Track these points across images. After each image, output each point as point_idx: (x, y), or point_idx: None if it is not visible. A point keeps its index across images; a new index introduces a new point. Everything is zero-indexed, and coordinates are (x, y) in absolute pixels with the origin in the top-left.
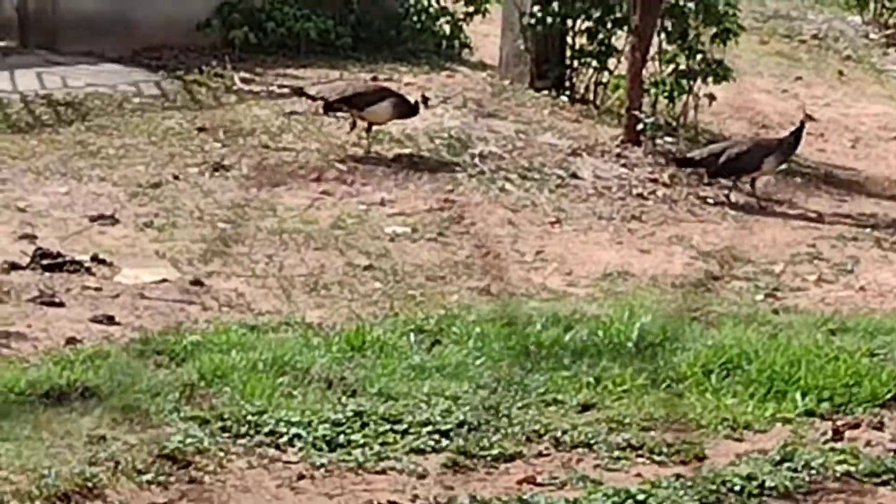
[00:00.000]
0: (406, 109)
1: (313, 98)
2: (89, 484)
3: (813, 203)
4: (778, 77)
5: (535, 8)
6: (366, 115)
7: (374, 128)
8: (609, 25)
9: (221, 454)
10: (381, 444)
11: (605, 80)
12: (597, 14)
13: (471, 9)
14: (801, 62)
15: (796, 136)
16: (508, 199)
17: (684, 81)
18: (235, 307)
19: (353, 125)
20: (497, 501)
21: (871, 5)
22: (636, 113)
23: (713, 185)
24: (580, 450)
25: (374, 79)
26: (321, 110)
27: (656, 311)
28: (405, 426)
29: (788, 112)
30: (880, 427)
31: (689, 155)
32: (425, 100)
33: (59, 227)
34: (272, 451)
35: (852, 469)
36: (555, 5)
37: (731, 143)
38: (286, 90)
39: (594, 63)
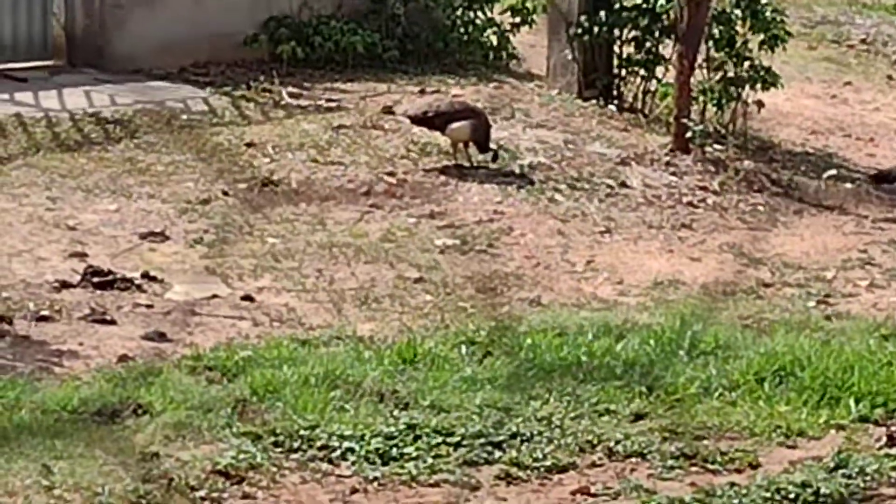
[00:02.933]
0: (488, 128)
1: (406, 116)
2: (143, 501)
3: (864, 208)
4: (827, 82)
5: (582, 17)
6: (447, 134)
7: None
8: (656, 34)
9: (274, 469)
10: (434, 457)
11: (652, 88)
12: (644, 22)
13: (517, 19)
14: (850, 67)
15: None
16: (558, 209)
17: (732, 88)
18: (286, 322)
19: (454, 148)
20: None
21: None
22: (685, 121)
23: (763, 192)
24: (634, 459)
25: (422, 91)
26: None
27: (708, 319)
28: (458, 438)
29: (837, 117)
30: None
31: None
32: (495, 156)
33: (109, 245)
34: (325, 466)
35: None
36: (601, 14)
37: None
38: (378, 110)
39: (642, 71)
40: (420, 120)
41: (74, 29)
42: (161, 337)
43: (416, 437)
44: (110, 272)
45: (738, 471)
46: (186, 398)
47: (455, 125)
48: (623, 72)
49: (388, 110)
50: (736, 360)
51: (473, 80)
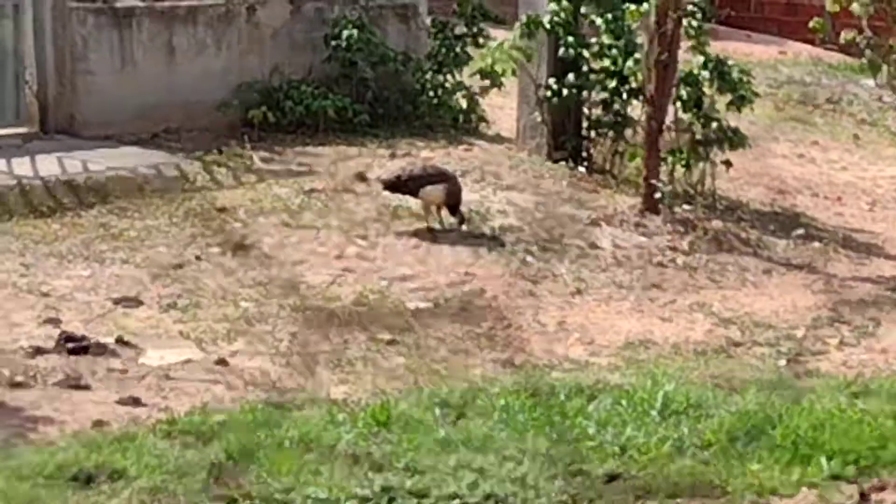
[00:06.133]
0: (459, 192)
1: (380, 181)
2: None
3: (832, 267)
4: (794, 142)
5: (551, 80)
6: (421, 197)
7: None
8: (624, 96)
9: None
10: None
11: (621, 149)
12: (612, 85)
13: (487, 82)
14: (817, 126)
15: None
16: (529, 270)
17: (701, 149)
18: (260, 385)
19: (426, 211)
20: None
21: (885, 69)
22: (654, 182)
23: (732, 251)
24: None
25: (393, 155)
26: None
27: (679, 379)
28: (432, 500)
29: (805, 177)
30: None
31: None
32: (461, 220)
33: (83, 311)
34: None
35: None
36: (570, 77)
37: None
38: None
39: (611, 133)
40: (393, 185)
41: (47, 96)
42: (135, 402)
43: (391, 500)
44: (84, 338)
45: None
46: (161, 463)
47: (429, 189)
48: (592, 133)
49: (362, 177)
50: (707, 419)
51: (443, 143)
